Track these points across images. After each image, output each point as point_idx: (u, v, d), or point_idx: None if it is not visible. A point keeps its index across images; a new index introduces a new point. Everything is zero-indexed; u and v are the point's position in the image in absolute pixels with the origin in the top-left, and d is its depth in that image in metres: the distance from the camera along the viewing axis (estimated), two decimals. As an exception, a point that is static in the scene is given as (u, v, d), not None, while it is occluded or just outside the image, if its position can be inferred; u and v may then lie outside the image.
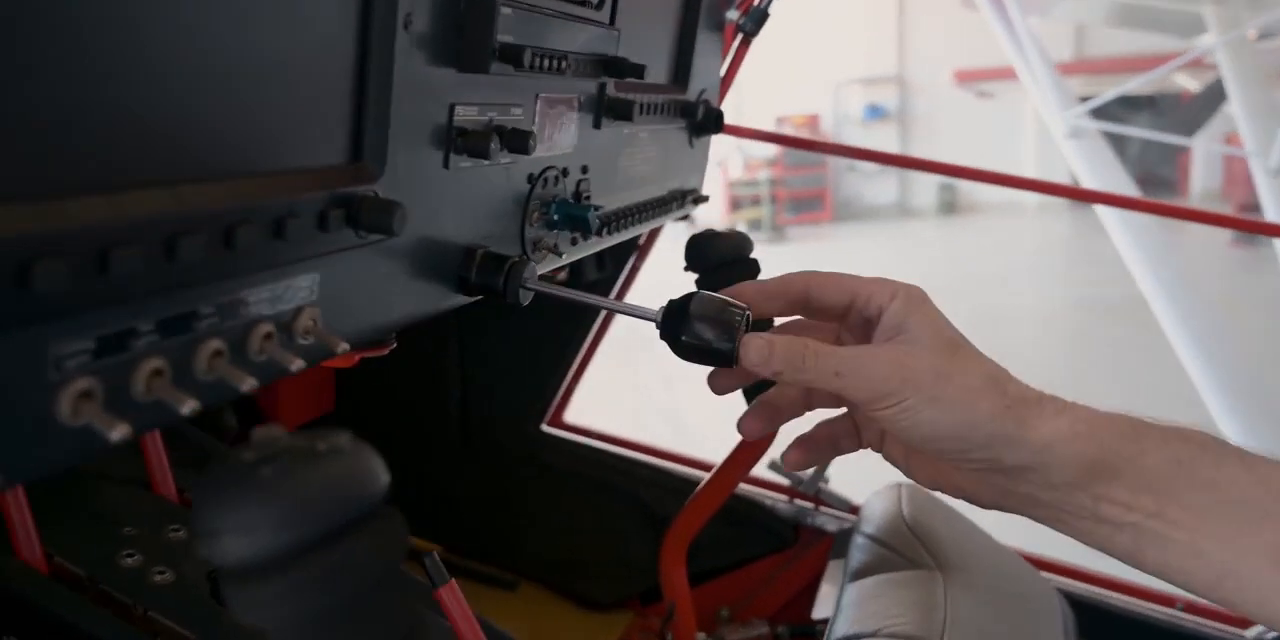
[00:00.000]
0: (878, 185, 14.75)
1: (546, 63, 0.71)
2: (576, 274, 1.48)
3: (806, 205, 14.49)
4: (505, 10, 0.66)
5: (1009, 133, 13.67)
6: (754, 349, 0.56)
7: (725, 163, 13.63)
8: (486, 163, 0.72)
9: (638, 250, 1.53)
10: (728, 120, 1.26)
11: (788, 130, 14.05)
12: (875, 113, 14.65)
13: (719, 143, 1.34)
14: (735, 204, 13.73)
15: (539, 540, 1.62)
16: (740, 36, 1.31)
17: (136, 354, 0.45)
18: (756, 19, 1.26)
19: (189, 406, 0.46)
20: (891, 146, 14.23)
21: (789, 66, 13.35)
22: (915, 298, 0.59)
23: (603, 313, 1.58)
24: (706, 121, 1.19)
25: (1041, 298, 8.79)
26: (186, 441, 1.26)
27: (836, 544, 1.41)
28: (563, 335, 1.62)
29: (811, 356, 0.55)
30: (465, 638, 0.88)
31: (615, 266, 1.53)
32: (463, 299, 0.74)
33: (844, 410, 0.64)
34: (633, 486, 1.57)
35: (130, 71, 0.43)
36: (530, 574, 1.61)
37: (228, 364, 0.50)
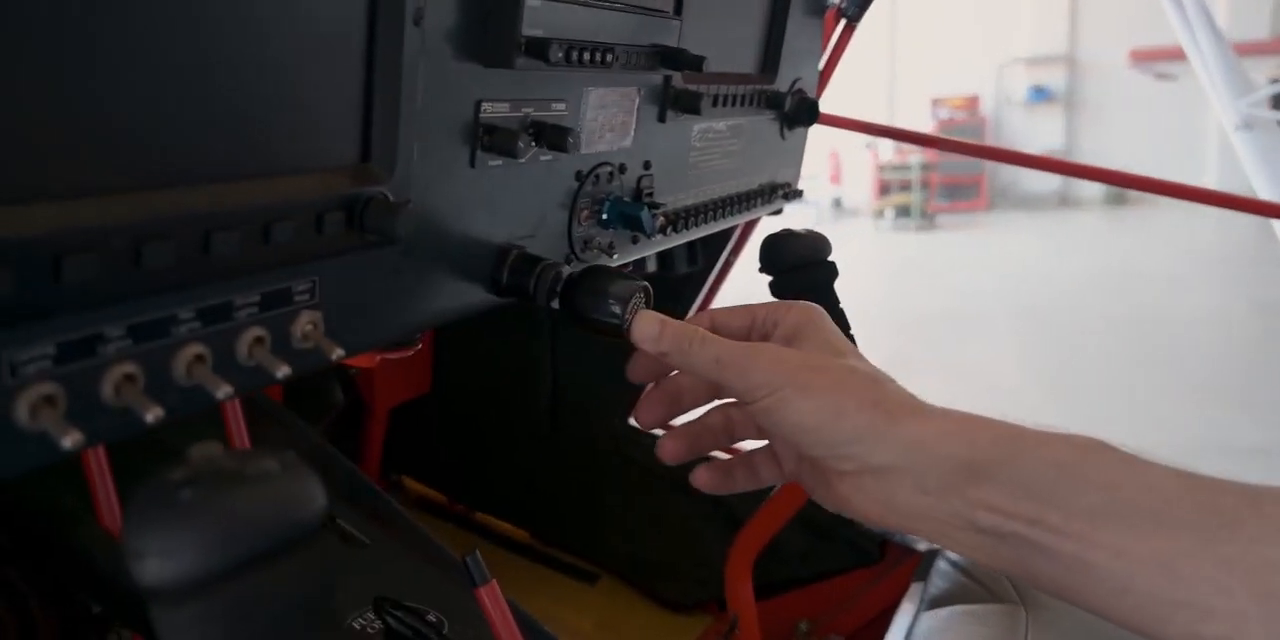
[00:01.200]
0: (1039, 171, 13.86)
1: (585, 56, 0.68)
2: (667, 267, 1.44)
3: (960, 192, 13.79)
4: (534, 2, 0.62)
5: (1190, 120, 12.56)
6: (646, 324, 0.59)
7: (875, 145, 13.16)
8: (521, 161, 0.69)
9: (732, 245, 1.48)
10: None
11: (943, 113, 13.43)
12: (1040, 95, 13.75)
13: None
14: (884, 189, 13.25)
15: (621, 535, 1.60)
16: (843, 22, 1.23)
17: (105, 360, 0.45)
18: (859, 2, 1.17)
19: (154, 414, 0.45)
20: (1056, 131, 13.39)
21: (948, 45, 12.74)
22: (811, 311, 0.60)
23: (696, 303, 1.55)
24: (798, 113, 1.13)
25: (1217, 300, 8.07)
26: (271, 418, 1.30)
27: (923, 565, 1.32)
28: None
29: (699, 342, 0.57)
30: (502, 640, 0.86)
31: (708, 261, 1.49)
32: (495, 300, 0.72)
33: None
34: None
35: (103, 67, 0.42)
36: (610, 568, 1.60)
37: (209, 370, 0.49)
